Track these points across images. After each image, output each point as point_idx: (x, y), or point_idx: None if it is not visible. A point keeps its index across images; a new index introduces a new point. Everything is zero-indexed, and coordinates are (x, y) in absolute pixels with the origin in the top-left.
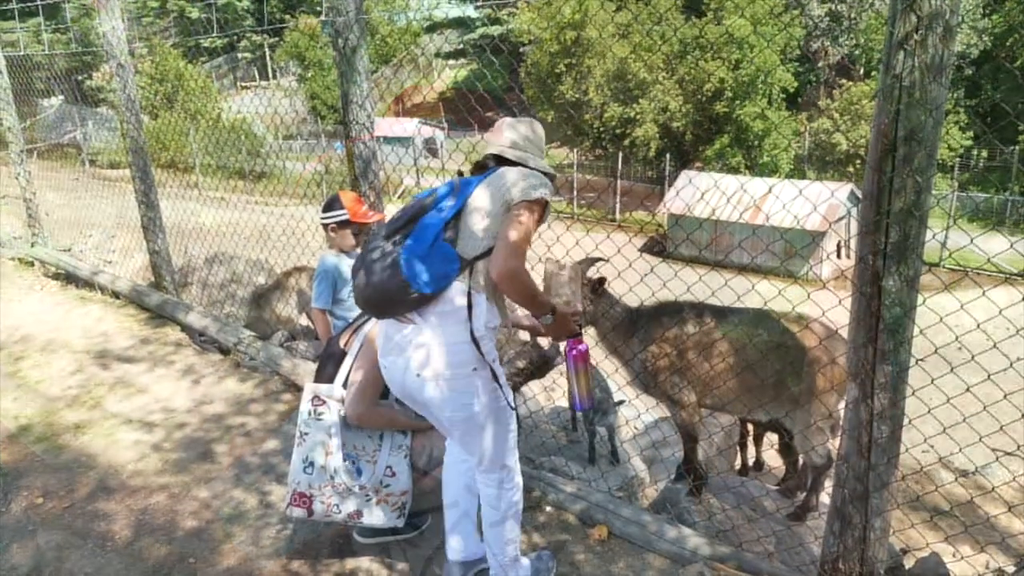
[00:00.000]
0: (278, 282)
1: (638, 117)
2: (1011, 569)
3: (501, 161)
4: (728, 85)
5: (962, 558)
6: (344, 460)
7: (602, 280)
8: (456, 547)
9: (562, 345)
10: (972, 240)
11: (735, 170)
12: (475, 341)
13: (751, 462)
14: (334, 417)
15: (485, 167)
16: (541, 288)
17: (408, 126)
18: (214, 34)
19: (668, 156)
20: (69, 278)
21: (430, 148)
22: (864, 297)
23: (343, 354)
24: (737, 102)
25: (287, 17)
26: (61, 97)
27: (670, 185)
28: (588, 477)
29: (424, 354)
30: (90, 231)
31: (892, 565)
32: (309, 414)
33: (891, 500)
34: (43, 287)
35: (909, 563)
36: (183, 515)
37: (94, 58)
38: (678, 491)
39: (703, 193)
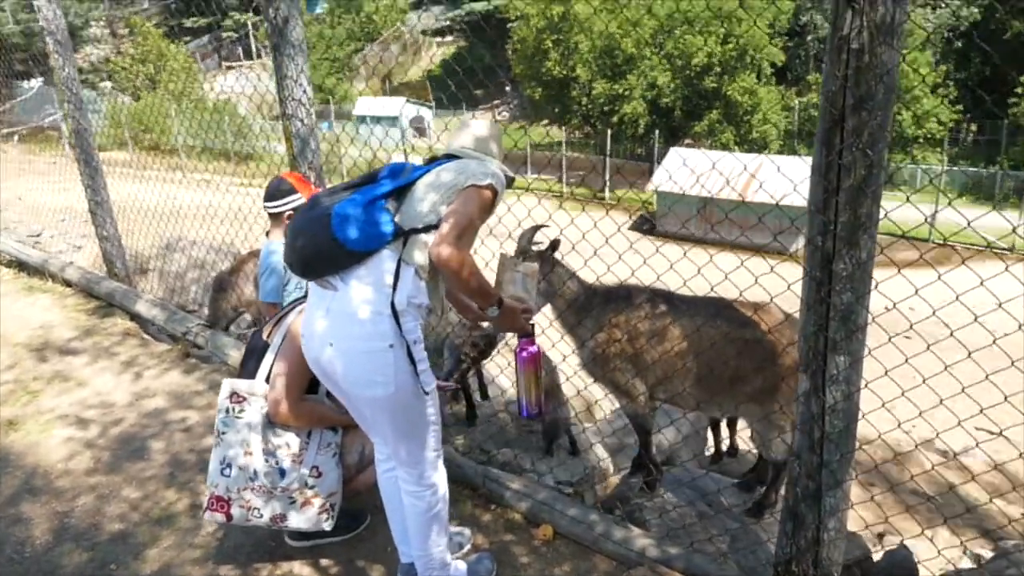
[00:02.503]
0: (237, 266)
1: (626, 93)
2: (989, 555)
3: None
4: (716, 60)
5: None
6: (265, 460)
7: (554, 245)
8: (405, 550)
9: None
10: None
11: (725, 146)
12: (395, 314)
13: (724, 448)
14: (255, 415)
15: (436, 159)
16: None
17: (394, 105)
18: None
19: (657, 133)
20: (22, 266)
21: (418, 127)
22: (814, 282)
23: (266, 347)
24: (726, 77)
25: None
26: (40, 79)
27: (659, 162)
28: (542, 470)
29: (338, 322)
30: (62, 215)
31: (860, 557)
32: (227, 412)
33: (846, 499)
34: None
35: (890, 548)
36: (109, 518)
37: (73, 39)
38: (632, 486)
39: (692, 170)
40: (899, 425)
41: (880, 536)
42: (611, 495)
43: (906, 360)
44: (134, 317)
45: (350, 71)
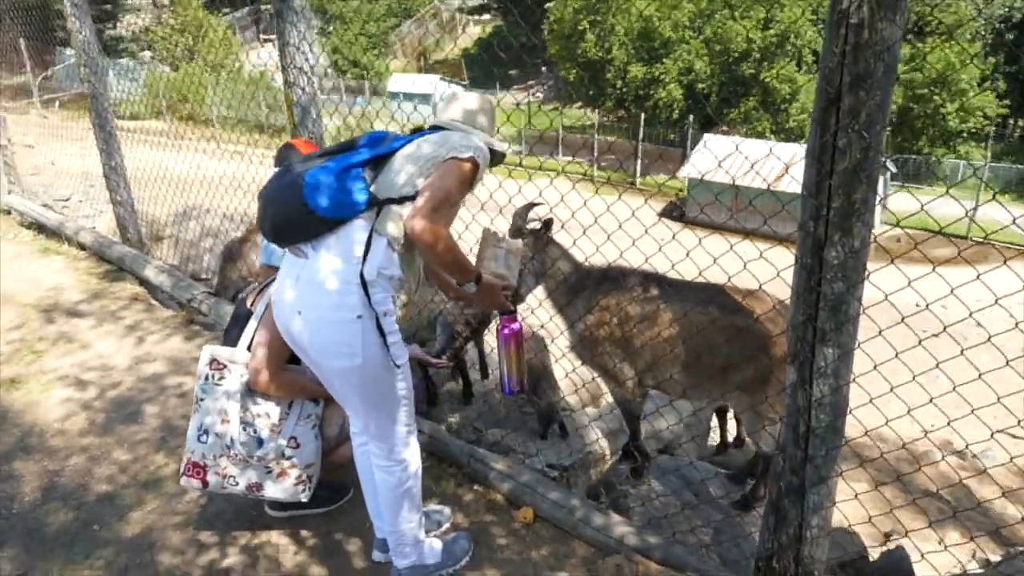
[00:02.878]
0: (247, 236)
1: (662, 77)
2: (998, 558)
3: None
4: (755, 46)
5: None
6: (243, 429)
7: (548, 224)
8: (380, 524)
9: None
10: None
11: (761, 135)
12: (364, 285)
13: (731, 438)
14: (235, 383)
15: (420, 130)
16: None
17: (428, 82)
18: None
19: (691, 118)
20: (41, 228)
21: None
22: (804, 270)
23: (249, 315)
24: (764, 64)
25: None
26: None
27: (692, 148)
28: (532, 451)
29: (307, 290)
30: (92, 181)
31: (855, 556)
32: (206, 379)
33: (831, 496)
34: (15, 236)
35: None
36: (98, 479)
37: (115, 7)
38: (619, 473)
39: (725, 157)
40: (924, 430)
41: (887, 535)
42: (597, 481)
43: (937, 365)
44: (143, 282)
45: (386, 47)
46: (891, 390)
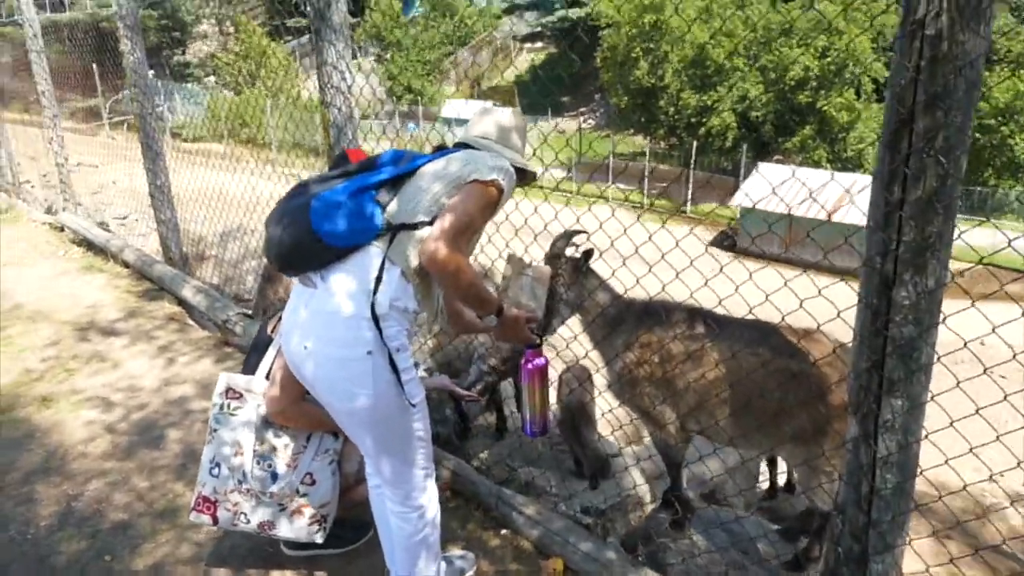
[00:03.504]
0: None
1: (715, 105)
2: None
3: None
4: (813, 74)
5: None
6: (257, 463)
7: (588, 255)
8: (394, 571)
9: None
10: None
11: (817, 164)
12: (375, 318)
13: (781, 483)
14: (250, 413)
15: (444, 147)
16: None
17: (478, 108)
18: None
19: (745, 147)
20: (91, 246)
21: None
22: (869, 310)
23: (269, 342)
24: (822, 92)
25: None
26: (152, 72)
27: (745, 177)
28: (567, 493)
29: (315, 323)
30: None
31: None
32: (221, 408)
33: (897, 568)
34: (66, 252)
35: None
36: (115, 506)
37: (183, 34)
38: (659, 523)
39: (779, 186)
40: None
41: None
42: (635, 531)
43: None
44: (181, 302)
45: (441, 74)
46: (970, 450)
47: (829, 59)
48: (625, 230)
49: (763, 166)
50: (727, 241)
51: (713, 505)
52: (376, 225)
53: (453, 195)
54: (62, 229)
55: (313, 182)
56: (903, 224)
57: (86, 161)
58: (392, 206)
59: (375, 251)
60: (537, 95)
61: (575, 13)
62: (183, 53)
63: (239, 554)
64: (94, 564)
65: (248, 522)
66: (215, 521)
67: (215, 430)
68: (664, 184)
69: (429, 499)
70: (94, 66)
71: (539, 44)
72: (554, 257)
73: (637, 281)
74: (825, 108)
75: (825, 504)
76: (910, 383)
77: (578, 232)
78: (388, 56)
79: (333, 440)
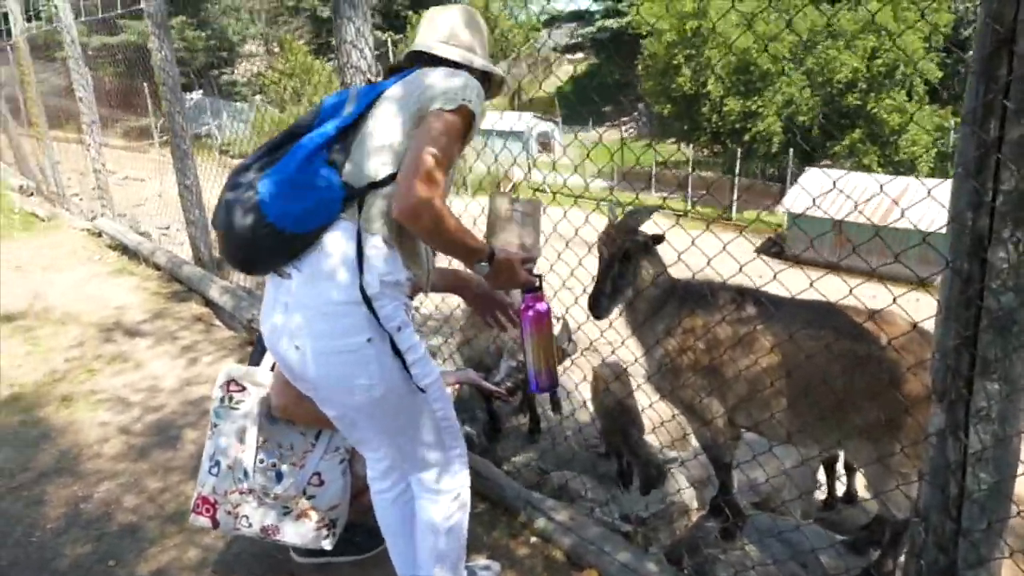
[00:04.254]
0: None
1: (760, 110)
2: None
3: (427, 62)
4: (862, 76)
5: None
6: (260, 460)
7: (658, 239)
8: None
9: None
10: None
11: (867, 168)
12: (367, 301)
13: (840, 492)
14: (253, 407)
15: (399, 69)
16: (481, 226)
17: (521, 120)
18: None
19: (791, 152)
20: (125, 250)
21: (543, 143)
22: (958, 276)
23: None
24: (872, 94)
25: (411, 14)
26: (200, 91)
27: (792, 183)
28: (603, 498)
29: (300, 319)
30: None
31: None
32: (222, 402)
33: None
34: (101, 257)
35: None
36: (124, 509)
37: (231, 54)
38: (706, 532)
39: (827, 192)
40: None
41: None
42: (680, 540)
43: None
44: (209, 303)
45: None
46: None
47: (879, 60)
48: (663, 234)
49: (810, 171)
50: (774, 248)
51: (769, 513)
52: (338, 194)
53: (416, 132)
54: (100, 235)
55: (252, 165)
56: (1000, 169)
57: (133, 175)
58: (349, 165)
59: (346, 225)
60: (577, 106)
61: (613, 22)
62: (232, 72)
63: (245, 561)
64: (97, 568)
65: (250, 525)
66: (215, 524)
67: (215, 425)
68: (705, 192)
69: (462, 484)
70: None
71: (579, 55)
72: (626, 230)
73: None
74: (875, 111)
75: (900, 510)
76: (1009, 363)
77: (656, 209)
78: None
79: (343, 438)
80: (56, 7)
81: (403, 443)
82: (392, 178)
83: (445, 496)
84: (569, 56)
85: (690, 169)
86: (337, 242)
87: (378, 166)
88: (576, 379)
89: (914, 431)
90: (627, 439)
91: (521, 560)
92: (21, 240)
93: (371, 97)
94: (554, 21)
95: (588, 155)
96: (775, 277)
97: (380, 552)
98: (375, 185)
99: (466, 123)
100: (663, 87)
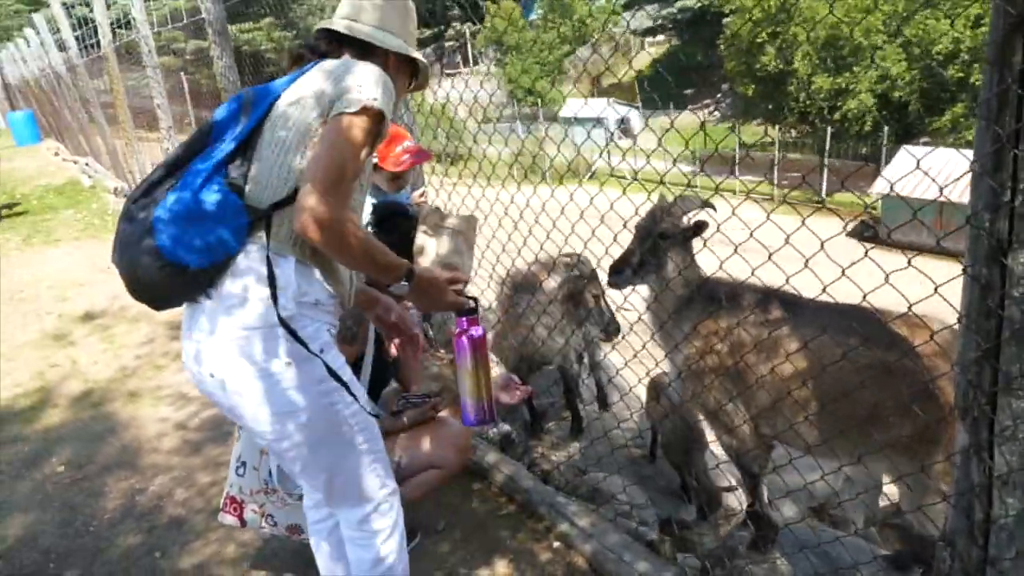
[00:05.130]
0: None
1: (851, 87)
2: None
3: (333, 44)
4: (965, 45)
5: None
6: None
7: (700, 227)
8: None
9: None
10: None
11: (971, 144)
12: (284, 324)
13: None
14: None
15: (301, 59)
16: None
17: (600, 106)
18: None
19: (886, 130)
20: None
21: (623, 128)
22: (977, 284)
23: None
24: (976, 65)
25: (490, 4)
26: None
27: (887, 162)
28: (640, 500)
29: (215, 348)
30: None
31: None
32: None
33: None
34: None
35: None
36: (174, 502)
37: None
38: (738, 542)
39: (927, 171)
40: None
41: None
42: (710, 551)
43: None
44: None
45: (560, 74)
46: None
47: (984, 27)
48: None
49: (907, 148)
50: (868, 232)
51: (819, 522)
52: (242, 220)
53: (319, 137)
54: None
55: (148, 187)
56: (1019, 166)
57: None
58: (251, 185)
59: (254, 249)
60: (658, 89)
61: (694, 2)
62: None
63: (282, 557)
64: (145, 560)
65: (275, 524)
66: (242, 523)
67: (241, 427)
68: (799, 176)
69: (393, 523)
70: (239, 81)
71: (660, 37)
72: (669, 213)
73: (787, 280)
74: (979, 83)
75: (938, 529)
76: None
77: (711, 206)
78: (507, 60)
79: None
80: (134, 19)
81: (328, 478)
82: (296, 194)
83: (373, 538)
84: (649, 39)
85: (776, 152)
86: (247, 267)
87: (278, 184)
88: (631, 381)
89: (950, 446)
90: (691, 463)
91: (543, 566)
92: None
93: (267, 102)
94: (634, 4)
95: (660, 142)
96: (866, 254)
97: (409, 551)
98: (279, 205)
99: (373, 124)
100: (747, 67)
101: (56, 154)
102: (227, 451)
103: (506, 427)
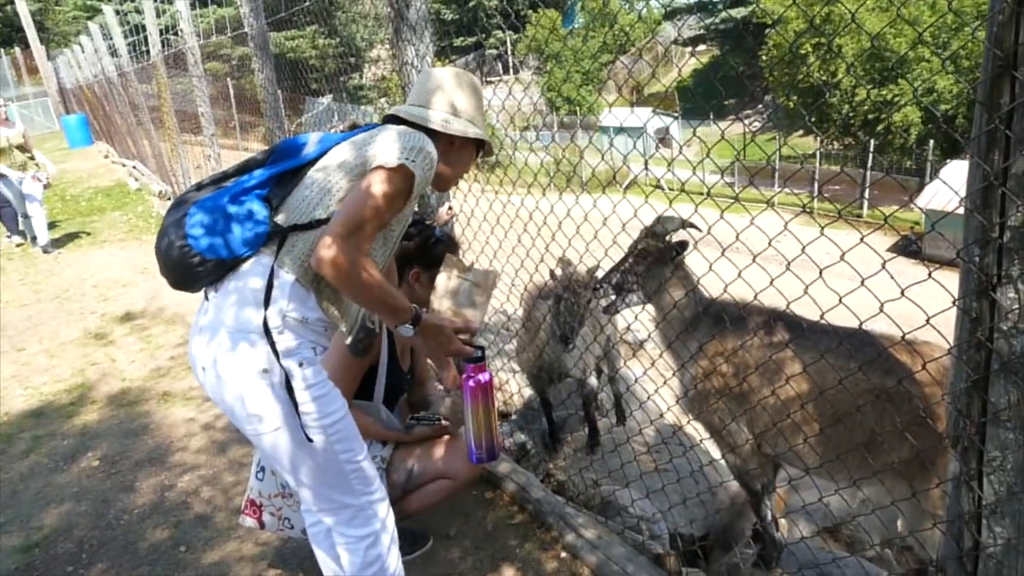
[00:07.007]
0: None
1: (896, 100)
2: None
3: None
4: None
5: None
6: None
7: (682, 245)
8: None
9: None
10: None
11: None
12: (267, 333)
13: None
14: None
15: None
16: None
17: (640, 116)
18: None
19: (932, 143)
20: None
21: (662, 138)
22: (967, 317)
23: None
24: None
25: (531, 12)
26: (331, 95)
27: (932, 176)
28: (652, 514)
29: (210, 342)
30: None
31: None
32: None
33: None
34: None
35: None
36: (200, 499)
37: (358, 60)
38: (743, 560)
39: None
40: None
41: None
42: (714, 568)
43: None
44: None
45: (601, 83)
46: None
47: None
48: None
49: (953, 163)
50: (911, 247)
51: (834, 542)
52: (262, 230)
53: (353, 185)
54: None
55: (206, 183)
56: (1007, 203)
57: None
58: (282, 206)
59: (263, 259)
60: (699, 99)
61: (738, 12)
62: (360, 77)
63: (300, 556)
64: (171, 553)
65: (292, 527)
66: (261, 525)
67: None
68: (837, 188)
69: (381, 527)
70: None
71: (701, 47)
72: (652, 235)
73: (840, 300)
74: None
75: (934, 553)
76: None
77: (692, 226)
78: (548, 69)
79: (381, 447)
80: (182, 30)
81: (304, 482)
82: (318, 224)
83: (361, 543)
84: (691, 49)
85: (817, 163)
86: (251, 273)
87: (309, 210)
88: (649, 389)
89: (946, 471)
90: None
91: (549, 575)
92: (152, 243)
93: (328, 145)
94: (675, 13)
95: (708, 153)
96: (930, 275)
97: (421, 556)
98: (299, 228)
99: (405, 183)
100: (789, 78)
101: (106, 156)
102: (250, 452)
103: (522, 437)
